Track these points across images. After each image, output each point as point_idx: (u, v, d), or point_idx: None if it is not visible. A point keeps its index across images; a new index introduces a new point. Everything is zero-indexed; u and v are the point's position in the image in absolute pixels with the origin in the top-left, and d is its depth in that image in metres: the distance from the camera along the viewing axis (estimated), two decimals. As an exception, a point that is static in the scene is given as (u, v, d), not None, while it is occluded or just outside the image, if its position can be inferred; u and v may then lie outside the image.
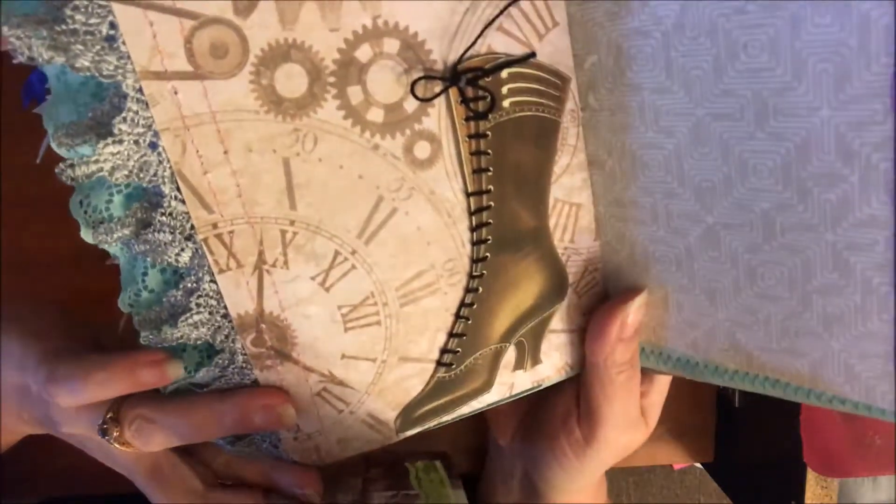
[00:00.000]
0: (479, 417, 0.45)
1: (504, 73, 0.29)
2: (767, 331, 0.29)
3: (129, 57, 0.23)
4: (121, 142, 0.24)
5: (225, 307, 0.28)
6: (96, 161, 0.24)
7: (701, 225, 0.30)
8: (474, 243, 0.31)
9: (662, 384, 0.36)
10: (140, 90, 0.23)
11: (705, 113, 0.27)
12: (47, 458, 0.46)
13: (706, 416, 0.51)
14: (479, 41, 0.28)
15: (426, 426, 0.33)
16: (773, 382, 0.30)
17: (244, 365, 0.29)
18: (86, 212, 0.25)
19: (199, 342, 0.28)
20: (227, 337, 0.28)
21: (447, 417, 0.33)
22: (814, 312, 0.28)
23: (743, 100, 0.26)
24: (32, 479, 0.47)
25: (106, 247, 0.26)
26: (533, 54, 0.29)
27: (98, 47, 0.22)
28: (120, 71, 0.23)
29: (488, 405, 0.34)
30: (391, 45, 0.27)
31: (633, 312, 0.32)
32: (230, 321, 0.28)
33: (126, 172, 0.24)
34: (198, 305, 0.27)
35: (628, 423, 0.34)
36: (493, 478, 0.43)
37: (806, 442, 0.41)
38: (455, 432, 0.47)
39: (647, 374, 0.35)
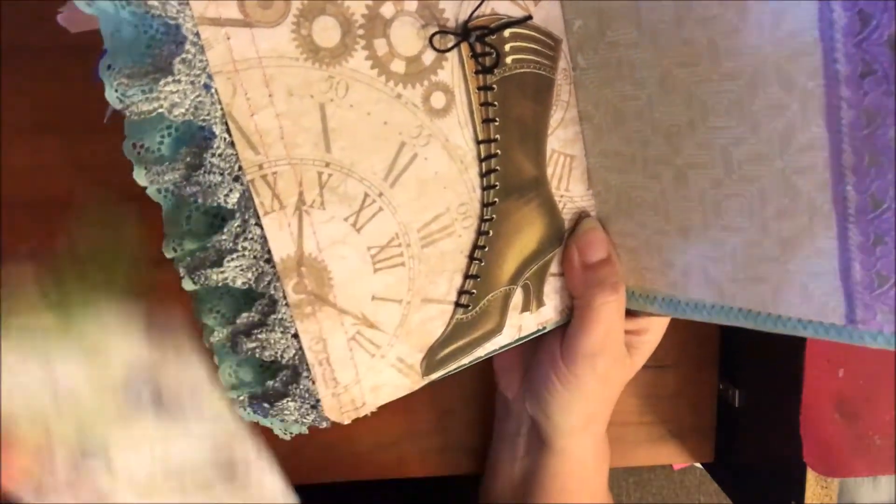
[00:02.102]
0: (479, 414, 0.47)
1: (506, 33, 0.32)
2: (734, 262, 0.32)
3: (188, 3, 0.25)
4: (179, 81, 0.26)
5: (268, 252, 0.29)
6: (157, 98, 0.26)
7: (672, 168, 0.33)
8: (484, 188, 0.34)
9: (660, 325, 0.40)
10: (197, 34, 0.26)
11: (670, 62, 0.31)
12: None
13: (706, 416, 0.52)
14: (484, 4, 0.32)
15: (448, 369, 0.35)
16: (745, 314, 0.33)
17: (284, 317, 0.30)
18: (139, 153, 0.27)
19: (243, 286, 0.29)
20: (268, 283, 0.30)
21: (465, 360, 0.36)
22: (771, 238, 0.30)
23: (699, 46, 0.30)
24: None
25: (153, 190, 0.28)
26: (530, 17, 0.33)
27: (162, -7, 0.25)
28: (181, 15, 0.25)
29: (500, 347, 0.37)
30: (410, 3, 0.30)
31: (582, 236, 0.36)
32: (273, 267, 0.30)
33: (183, 110, 0.26)
34: (243, 248, 0.29)
35: (606, 350, 0.37)
36: (499, 451, 0.44)
37: (806, 442, 0.41)
38: (456, 431, 0.49)
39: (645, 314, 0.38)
